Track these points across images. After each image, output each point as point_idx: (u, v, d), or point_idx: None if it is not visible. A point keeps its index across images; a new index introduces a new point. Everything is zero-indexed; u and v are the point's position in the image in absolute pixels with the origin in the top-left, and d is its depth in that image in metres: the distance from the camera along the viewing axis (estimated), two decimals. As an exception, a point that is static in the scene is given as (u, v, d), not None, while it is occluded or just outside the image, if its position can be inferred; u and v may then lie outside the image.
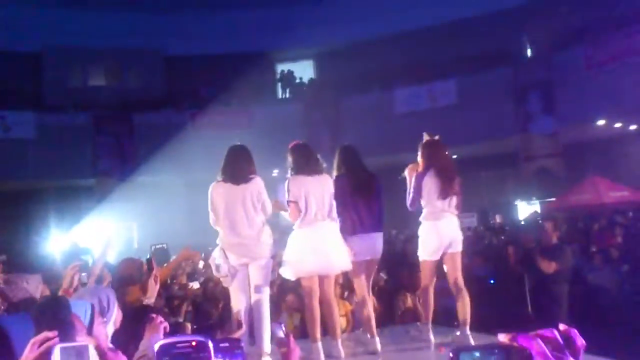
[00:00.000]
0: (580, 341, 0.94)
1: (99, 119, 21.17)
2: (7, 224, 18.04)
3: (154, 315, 2.88)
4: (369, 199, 5.48)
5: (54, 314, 1.85)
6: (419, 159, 5.57)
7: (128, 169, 20.04)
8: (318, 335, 5.06)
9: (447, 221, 5.42)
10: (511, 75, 19.93)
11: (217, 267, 5.00)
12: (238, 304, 5.00)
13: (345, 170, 5.55)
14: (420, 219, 5.49)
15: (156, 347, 0.83)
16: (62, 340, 1.40)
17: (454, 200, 5.45)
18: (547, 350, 0.86)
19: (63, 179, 19.94)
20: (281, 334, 2.69)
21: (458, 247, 5.47)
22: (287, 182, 5.20)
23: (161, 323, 2.79)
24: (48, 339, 1.45)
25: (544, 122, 19.23)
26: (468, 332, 5.27)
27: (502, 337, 0.90)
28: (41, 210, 18.75)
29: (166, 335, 2.74)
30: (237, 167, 5.08)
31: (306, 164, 5.17)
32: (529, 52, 21.09)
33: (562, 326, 0.95)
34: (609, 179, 15.80)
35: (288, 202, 5.12)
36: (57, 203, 19.25)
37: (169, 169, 18.43)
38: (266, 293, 5.09)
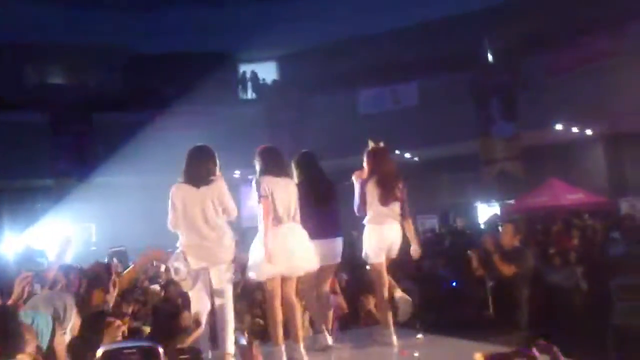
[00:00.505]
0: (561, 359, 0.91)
1: (57, 118, 20.73)
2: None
3: (111, 319, 2.80)
4: (327, 206, 5.59)
5: (1, 326, 1.77)
6: (364, 165, 5.69)
7: (87, 169, 19.65)
8: (281, 338, 5.03)
9: (389, 226, 5.56)
10: (473, 78, 20.17)
11: (176, 270, 4.91)
12: (198, 306, 4.93)
13: (304, 178, 5.60)
14: (364, 222, 5.63)
15: (99, 353, 0.77)
16: (8, 353, 1.33)
17: (397, 206, 5.59)
18: None
19: (19, 178, 19.46)
20: (244, 341, 2.65)
21: (393, 254, 5.64)
22: (254, 181, 5.20)
23: (119, 327, 2.71)
24: None
25: (504, 126, 19.52)
26: (392, 330, 5.46)
27: (478, 358, 0.86)
28: (-4, 211, 18.28)
29: (124, 339, 2.66)
30: (198, 169, 4.99)
31: (275, 166, 5.18)
32: (490, 57, 21.36)
33: (540, 343, 0.92)
34: (566, 182, 16.10)
35: (260, 198, 5.09)
36: (12, 204, 18.78)
37: (129, 169, 18.14)
38: (228, 296, 5.03)
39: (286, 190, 5.16)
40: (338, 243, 5.64)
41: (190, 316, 5.03)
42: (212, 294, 4.97)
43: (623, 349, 7.38)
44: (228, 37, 21.93)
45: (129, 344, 0.72)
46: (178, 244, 5.00)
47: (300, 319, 5.39)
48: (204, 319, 4.85)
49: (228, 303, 5.00)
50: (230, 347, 4.86)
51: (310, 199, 5.47)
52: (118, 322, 2.73)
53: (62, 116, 20.83)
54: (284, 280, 5.16)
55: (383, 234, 5.54)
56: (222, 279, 4.99)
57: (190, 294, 4.98)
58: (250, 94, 24.52)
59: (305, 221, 5.39)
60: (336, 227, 5.63)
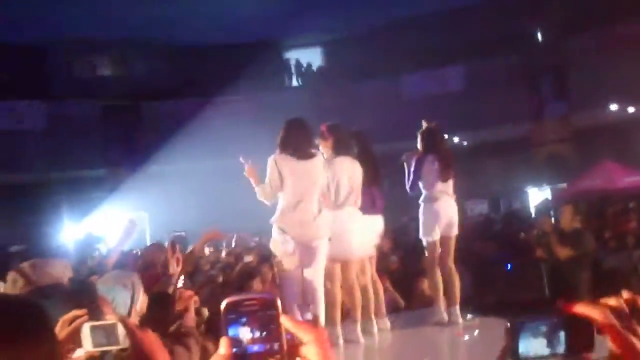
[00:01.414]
0: None
1: (107, 110, 21.20)
2: (19, 216, 18.13)
3: (182, 290, 2.85)
4: (374, 184, 5.65)
5: (81, 296, 1.85)
6: (419, 145, 5.79)
7: (138, 158, 20.06)
8: (338, 319, 5.10)
9: (445, 203, 5.64)
10: (522, 60, 19.78)
11: (279, 246, 4.77)
12: (294, 289, 4.79)
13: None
14: (420, 201, 5.71)
15: (223, 304, 0.83)
16: (91, 320, 1.39)
17: (451, 184, 5.70)
18: (613, 320, 0.83)
19: (73, 170, 20.00)
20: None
21: (453, 231, 5.68)
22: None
23: (190, 297, 2.76)
24: (77, 317, 1.45)
25: (555, 107, 19.11)
26: (458, 312, 5.50)
27: (564, 306, 0.86)
28: (52, 202, 18.81)
29: (196, 310, 2.73)
30: (301, 140, 4.87)
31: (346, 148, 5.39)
32: (540, 37, 20.90)
33: (626, 293, 0.92)
34: (622, 164, 15.69)
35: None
36: (68, 194, 19.31)
37: (178, 157, 18.44)
38: (322, 274, 4.98)
39: (351, 172, 5.22)
40: (380, 222, 5.66)
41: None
42: (309, 272, 4.85)
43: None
44: (272, 24, 22.02)
45: (250, 296, 0.77)
46: (276, 220, 4.88)
47: (360, 301, 5.43)
48: (299, 299, 4.79)
49: (321, 283, 4.94)
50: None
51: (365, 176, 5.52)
52: (189, 292, 2.78)
53: (112, 107, 21.30)
54: (343, 263, 5.22)
55: (439, 211, 5.60)
56: (323, 255, 4.92)
57: (282, 274, 4.84)
58: (295, 81, 24.58)
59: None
60: (380, 205, 5.70)
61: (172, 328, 2.66)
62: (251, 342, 0.82)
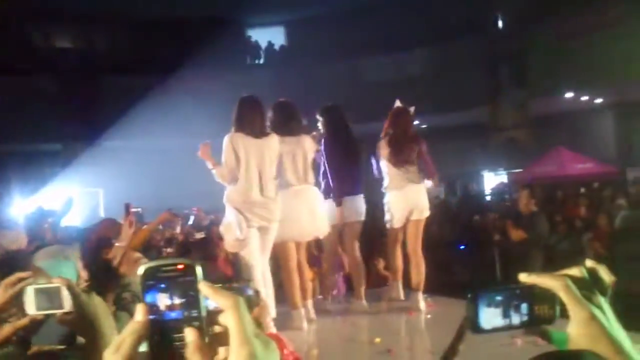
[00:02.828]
0: (609, 277, 0.92)
1: (65, 82, 20.69)
2: (-32, 188, 17.62)
3: (129, 252, 2.79)
4: (353, 164, 5.57)
5: (13, 266, 1.82)
6: (385, 125, 5.71)
7: (94, 133, 19.67)
8: (299, 301, 5.09)
9: (409, 189, 5.49)
10: (482, 46, 19.97)
11: (232, 229, 4.62)
12: (255, 272, 4.64)
13: (329, 133, 5.55)
14: (383, 189, 5.60)
15: (140, 270, 0.80)
16: (35, 283, 1.37)
17: (413, 168, 5.52)
18: (574, 289, 0.84)
19: (28, 142, 19.52)
20: (251, 292, 2.69)
21: (422, 215, 5.56)
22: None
23: (139, 259, 2.71)
24: (20, 280, 1.42)
25: (513, 93, 19.38)
26: (420, 296, 5.45)
27: (524, 278, 0.87)
28: (5, 175, 18.34)
29: None
30: (254, 119, 4.73)
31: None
32: (500, 24, 21.12)
33: (589, 262, 0.92)
34: (575, 151, 16.05)
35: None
36: (21, 168, 18.84)
37: (137, 133, 18.15)
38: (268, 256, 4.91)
39: (298, 150, 5.12)
40: (361, 201, 5.63)
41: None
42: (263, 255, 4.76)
43: (625, 315, 7.47)
44: (235, 2, 21.72)
45: (168, 261, 0.75)
46: (228, 200, 4.75)
47: (310, 283, 5.46)
48: (259, 282, 4.66)
49: (267, 264, 4.86)
50: (272, 310, 4.71)
51: (335, 155, 5.44)
52: (138, 254, 2.73)
53: (69, 80, 20.79)
54: (296, 244, 5.20)
55: (403, 199, 5.50)
56: (271, 237, 4.83)
57: (242, 254, 4.72)
58: (257, 60, 24.36)
59: (331, 177, 5.40)
60: (360, 184, 5.62)
61: (117, 292, 2.63)
62: (169, 309, 0.79)
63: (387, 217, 5.62)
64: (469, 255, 7.79)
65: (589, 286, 0.87)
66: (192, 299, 0.79)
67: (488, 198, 16.00)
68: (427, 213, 5.59)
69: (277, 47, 24.25)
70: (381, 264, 6.68)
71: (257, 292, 2.26)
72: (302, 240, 5.27)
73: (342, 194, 5.42)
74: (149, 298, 0.80)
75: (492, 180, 19.10)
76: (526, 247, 6.42)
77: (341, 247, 5.83)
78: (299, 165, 5.13)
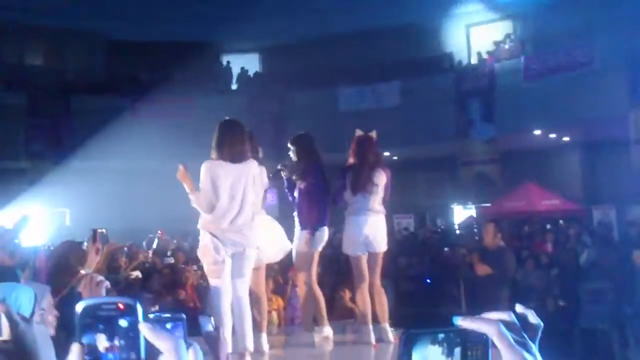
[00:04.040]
0: (536, 320, 0.92)
1: (34, 100, 20.44)
2: None
3: (92, 275, 2.70)
4: (326, 193, 5.51)
5: None
6: (350, 154, 5.59)
7: (63, 152, 19.40)
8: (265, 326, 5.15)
9: (369, 219, 5.40)
10: (453, 81, 20.31)
11: (211, 252, 4.54)
12: (224, 301, 4.56)
13: (306, 163, 5.49)
14: (345, 213, 5.52)
15: (79, 307, 0.76)
16: None
17: (375, 197, 5.43)
18: (507, 335, 0.84)
19: (-7, 159, 19.18)
20: (210, 327, 2.63)
21: (380, 248, 5.47)
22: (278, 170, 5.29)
23: (101, 282, 2.62)
24: None
25: (483, 129, 19.66)
26: (388, 329, 5.39)
27: (460, 321, 0.86)
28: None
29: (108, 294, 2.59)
30: (233, 144, 4.63)
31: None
32: (472, 60, 21.53)
33: (518, 307, 0.93)
34: (543, 187, 16.29)
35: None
36: (-15, 185, 18.47)
37: (105, 154, 17.95)
38: (248, 284, 4.82)
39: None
40: (326, 231, 5.59)
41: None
42: (236, 282, 4.65)
43: (589, 352, 7.53)
44: (211, 27, 21.79)
45: (108, 299, 0.71)
46: (203, 225, 4.66)
47: (265, 310, 5.39)
48: (229, 309, 4.57)
49: (247, 293, 4.76)
50: (250, 343, 4.63)
51: (319, 186, 5.41)
52: (100, 277, 2.63)
53: (39, 98, 20.55)
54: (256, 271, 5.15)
55: (361, 227, 5.38)
56: (250, 264, 4.74)
57: (216, 283, 4.60)
58: (232, 85, 24.40)
59: (313, 207, 5.35)
60: (327, 214, 5.56)
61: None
62: (108, 350, 0.76)
63: (344, 243, 5.50)
64: (436, 289, 7.80)
65: (519, 331, 0.87)
66: (132, 341, 0.76)
67: (457, 232, 16.11)
68: (384, 247, 5.49)
69: (251, 73, 24.33)
70: (347, 295, 6.63)
71: (216, 328, 2.18)
72: (267, 262, 5.27)
73: (315, 223, 5.38)
74: (86, 338, 0.76)
75: (461, 213, 19.26)
76: (492, 282, 6.43)
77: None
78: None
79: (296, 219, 5.50)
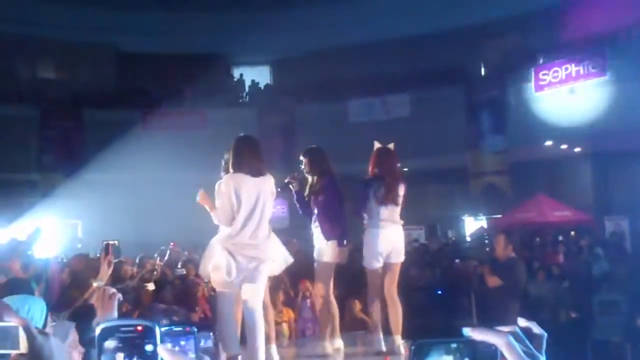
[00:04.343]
0: (540, 331, 0.94)
1: (47, 112, 20.62)
2: (-57, 215, 17.32)
3: (105, 288, 2.71)
4: (337, 205, 5.51)
5: None
6: (370, 166, 5.58)
7: (75, 165, 19.54)
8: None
9: (390, 230, 5.43)
10: (464, 92, 20.30)
11: (222, 270, 4.56)
12: (234, 317, 4.63)
13: (323, 175, 5.50)
14: (366, 225, 5.50)
15: (98, 330, 0.78)
16: None
17: (398, 209, 5.47)
18: (515, 346, 0.85)
19: (6, 171, 19.32)
20: (210, 343, 2.64)
21: (398, 258, 5.49)
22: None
23: (114, 295, 2.63)
24: None
25: (493, 140, 19.63)
26: (400, 341, 5.34)
27: (469, 332, 0.88)
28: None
29: (120, 306, 2.61)
30: (253, 159, 4.68)
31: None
32: (482, 71, 21.53)
33: (521, 321, 0.95)
34: (553, 198, 16.22)
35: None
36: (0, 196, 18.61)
37: (117, 167, 18.06)
38: (262, 297, 4.81)
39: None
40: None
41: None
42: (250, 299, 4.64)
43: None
44: (221, 39, 21.94)
45: (127, 322, 0.73)
46: (219, 240, 4.69)
47: (272, 321, 5.39)
48: (237, 325, 4.64)
49: (260, 307, 4.75)
50: (262, 358, 4.63)
51: (337, 198, 5.44)
52: (111, 289, 2.64)
53: (51, 111, 20.74)
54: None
55: (383, 239, 5.39)
56: (263, 277, 4.74)
57: (222, 299, 4.62)
58: (242, 97, 24.51)
59: (335, 219, 5.37)
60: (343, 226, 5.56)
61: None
62: None
63: (364, 256, 5.48)
64: (447, 301, 7.77)
65: (525, 343, 0.89)
66: None
67: (468, 243, 16.04)
68: (402, 257, 5.53)
69: (262, 85, 24.44)
70: (357, 306, 6.61)
71: (216, 345, 2.18)
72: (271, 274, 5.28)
73: (341, 234, 5.41)
74: (104, 358, 0.78)
75: (471, 225, 19.18)
76: (503, 293, 6.40)
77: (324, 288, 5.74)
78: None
79: (317, 231, 5.49)
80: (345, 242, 5.42)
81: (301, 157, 5.66)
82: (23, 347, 1.21)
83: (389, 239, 5.41)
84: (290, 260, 5.26)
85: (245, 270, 4.61)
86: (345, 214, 5.52)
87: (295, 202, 5.67)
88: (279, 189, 5.33)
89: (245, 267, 4.61)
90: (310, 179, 5.56)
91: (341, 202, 5.49)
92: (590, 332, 7.96)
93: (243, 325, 4.76)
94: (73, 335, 2.40)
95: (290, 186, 5.61)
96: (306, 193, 5.55)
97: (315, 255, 5.49)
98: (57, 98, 20.91)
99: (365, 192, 5.41)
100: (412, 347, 0.87)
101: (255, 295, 4.67)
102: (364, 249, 5.48)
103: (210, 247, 4.77)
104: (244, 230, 4.58)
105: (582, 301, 8.57)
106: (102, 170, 18.30)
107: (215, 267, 4.64)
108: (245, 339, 4.69)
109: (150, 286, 5.78)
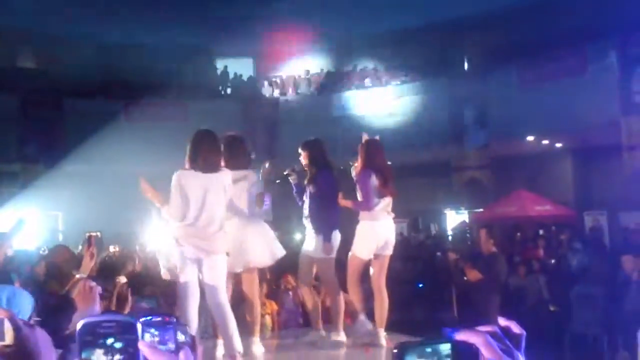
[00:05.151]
0: (519, 330, 0.96)
1: (27, 102, 20.39)
2: None
3: (84, 282, 2.69)
4: (334, 197, 5.51)
5: None
6: (359, 158, 5.53)
7: (56, 156, 19.35)
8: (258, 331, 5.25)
9: (385, 222, 5.45)
10: (448, 86, 20.39)
11: (167, 257, 4.68)
12: (191, 304, 4.65)
13: (321, 166, 5.53)
14: (359, 217, 5.48)
15: (79, 325, 0.77)
16: None
17: (390, 201, 5.47)
18: (494, 345, 0.87)
19: (-15, 162, 19.11)
20: (188, 338, 2.64)
21: (389, 250, 5.52)
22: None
23: (94, 288, 2.60)
24: None
25: (476, 135, 19.75)
26: (384, 333, 5.38)
27: (448, 332, 0.90)
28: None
29: (102, 300, 2.61)
30: (206, 155, 4.70)
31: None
32: (466, 66, 21.61)
33: (501, 320, 0.97)
34: (534, 193, 16.35)
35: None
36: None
37: (98, 158, 17.93)
38: (224, 289, 4.85)
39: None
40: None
41: None
42: (207, 286, 4.71)
43: (580, 356, 7.57)
44: (205, 30, 21.81)
45: (109, 317, 0.73)
46: (169, 231, 4.76)
47: (259, 314, 5.42)
48: (195, 314, 4.66)
49: (225, 296, 4.81)
50: (239, 345, 4.68)
51: (330, 192, 5.45)
52: (91, 282, 2.63)
53: (32, 101, 20.50)
54: (236, 275, 5.22)
55: (379, 231, 5.40)
56: (219, 270, 4.78)
57: (182, 285, 4.68)
58: (225, 89, 24.41)
59: (331, 209, 5.39)
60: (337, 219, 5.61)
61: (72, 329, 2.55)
62: None
63: (357, 246, 5.44)
64: (428, 294, 7.83)
65: (503, 341, 0.91)
66: (130, 358, 0.77)
67: (450, 237, 16.15)
68: (392, 250, 5.55)
69: (245, 77, 24.35)
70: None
71: (191, 337, 2.19)
72: (257, 266, 5.31)
73: (330, 228, 5.43)
74: (85, 354, 0.78)
75: (453, 218, 19.30)
76: (483, 287, 6.46)
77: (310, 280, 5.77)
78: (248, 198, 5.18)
79: (308, 226, 5.53)
80: (331, 238, 5.42)
81: (300, 150, 5.67)
82: (9, 338, 1.20)
83: (383, 231, 5.43)
84: (280, 254, 5.30)
85: (197, 262, 4.67)
86: (337, 209, 5.53)
87: (295, 195, 5.70)
88: (277, 181, 5.38)
89: (196, 258, 4.67)
90: (308, 171, 5.59)
91: (334, 196, 5.49)
92: (568, 325, 8.06)
93: (214, 316, 4.83)
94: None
95: (290, 179, 5.64)
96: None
97: (311, 249, 5.51)
98: (38, 88, 20.68)
99: (368, 185, 5.36)
100: (395, 351, 0.89)
101: (218, 290, 4.70)
102: (357, 239, 5.45)
103: (159, 251, 4.84)
104: (195, 224, 4.62)
105: (561, 295, 8.67)
106: (83, 161, 18.16)
107: (162, 254, 4.76)
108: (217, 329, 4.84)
109: (122, 279, 5.71)
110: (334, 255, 5.51)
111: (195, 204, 4.61)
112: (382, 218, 5.41)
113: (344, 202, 5.41)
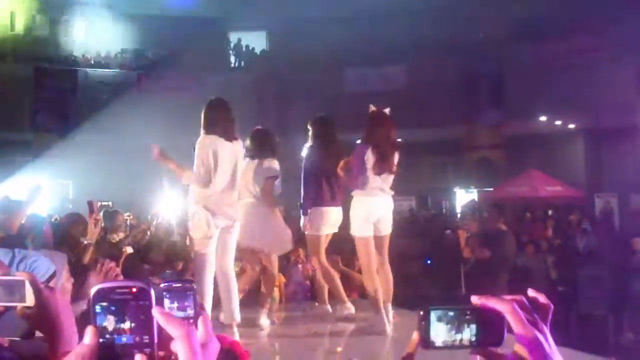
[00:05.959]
0: (546, 302, 0.96)
1: (39, 71, 20.42)
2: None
3: (102, 261, 2.74)
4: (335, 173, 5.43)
5: None
6: (364, 131, 5.33)
7: (68, 125, 19.42)
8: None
9: (378, 199, 5.19)
10: (462, 65, 20.19)
11: (202, 227, 4.60)
12: (209, 273, 4.66)
13: (318, 143, 5.52)
14: (352, 193, 5.28)
15: (92, 291, 0.78)
16: None
17: (391, 179, 5.22)
18: (521, 314, 0.87)
19: (-1, 130, 19.20)
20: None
21: (386, 230, 5.30)
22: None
23: (111, 269, 2.63)
24: None
25: (490, 114, 19.61)
26: (390, 309, 5.29)
27: (475, 300, 0.90)
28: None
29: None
30: (228, 123, 4.72)
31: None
32: (481, 45, 21.36)
33: (530, 291, 0.97)
34: (545, 173, 16.27)
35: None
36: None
37: (110, 129, 17.96)
38: (232, 260, 4.93)
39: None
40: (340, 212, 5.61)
41: None
42: (222, 255, 4.76)
43: (586, 336, 7.60)
44: (219, 3, 21.67)
45: (122, 284, 0.74)
46: (197, 199, 4.68)
47: (273, 288, 5.52)
48: (212, 285, 4.69)
49: (232, 268, 4.89)
50: (237, 316, 4.74)
51: (324, 166, 5.42)
52: (110, 263, 2.67)
53: (44, 70, 20.53)
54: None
55: (371, 207, 5.17)
56: (234, 240, 4.87)
57: (203, 255, 4.67)
58: (239, 62, 24.31)
59: (311, 184, 5.40)
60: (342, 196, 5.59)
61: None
62: (120, 333, 0.77)
63: (351, 223, 5.25)
64: (436, 270, 7.86)
65: (530, 312, 0.90)
66: (144, 324, 0.77)
67: (459, 215, 16.14)
68: (390, 229, 5.32)
69: (258, 51, 24.21)
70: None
71: (201, 306, 2.21)
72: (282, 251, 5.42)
73: (329, 203, 5.43)
74: (99, 320, 0.78)
75: (463, 197, 19.27)
76: (492, 264, 6.47)
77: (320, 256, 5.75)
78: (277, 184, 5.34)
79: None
80: (309, 213, 5.37)
81: (308, 126, 5.64)
82: (29, 300, 1.23)
83: (376, 207, 5.20)
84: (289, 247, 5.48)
85: (221, 230, 4.70)
86: (322, 185, 5.44)
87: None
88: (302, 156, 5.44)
89: (225, 226, 4.71)
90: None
91: (316, 173, 5.41)
92: (575, 305, 8.09)
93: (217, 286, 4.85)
94: (65, 267, 2.43)
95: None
96: None
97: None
98: (52, 57, 20.67)
99: (361, 160, 5.13)
100: (421, 313, 0.89)
101: (229, 258, 4.78)
102: (351, 216, 5.27)
103: (192, 220, 4.80)
104: (222, 191, 4.63)
105: (568, 275, 8.68)
106: (95, 131, 18.21)
107: (195, 225, 4.66)
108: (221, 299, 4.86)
109: (129, 249, 5.76)
110: (316, 232, 5.43)
111: (224, 170, 4.60)
112: (376, 194, 5.15)
113: (340, 175, 5.34)
